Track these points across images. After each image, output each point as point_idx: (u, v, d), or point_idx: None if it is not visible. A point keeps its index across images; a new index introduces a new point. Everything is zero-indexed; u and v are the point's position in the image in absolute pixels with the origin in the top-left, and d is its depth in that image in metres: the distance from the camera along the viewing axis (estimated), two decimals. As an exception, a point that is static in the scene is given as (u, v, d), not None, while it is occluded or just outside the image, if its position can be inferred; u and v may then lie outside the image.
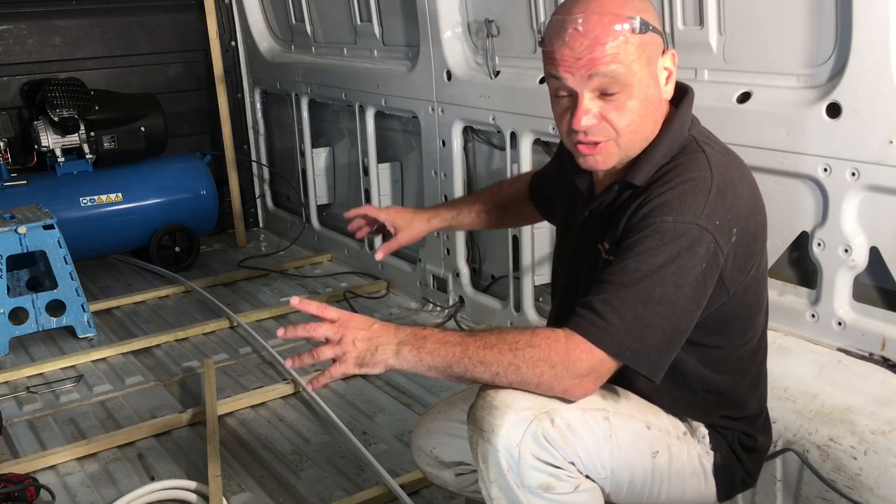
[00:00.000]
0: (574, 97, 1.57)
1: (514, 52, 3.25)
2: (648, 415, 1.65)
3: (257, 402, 3.13)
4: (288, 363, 1.62)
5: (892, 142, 2.01)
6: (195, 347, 3.67)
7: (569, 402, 1.53)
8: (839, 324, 2.23)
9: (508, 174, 3.34)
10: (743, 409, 1.74)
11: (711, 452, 1.71)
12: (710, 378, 1.68)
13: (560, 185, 1.94)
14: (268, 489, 2.62)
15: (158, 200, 4.63)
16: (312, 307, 1.60)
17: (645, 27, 1.52)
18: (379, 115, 4.20)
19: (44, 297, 3.69)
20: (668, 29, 2.56)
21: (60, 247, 3.69)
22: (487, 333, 1.52)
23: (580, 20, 1.51)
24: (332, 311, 1.59)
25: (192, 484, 2.58)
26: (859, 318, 2.21)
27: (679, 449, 1.66)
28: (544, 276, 3.31)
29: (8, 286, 3.62)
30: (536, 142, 3.24)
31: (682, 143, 1.61)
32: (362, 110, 4.21)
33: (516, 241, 3.37)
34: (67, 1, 4.78)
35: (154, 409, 3.13)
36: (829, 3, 2.14)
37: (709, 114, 1.75)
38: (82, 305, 3.77)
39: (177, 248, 4.69)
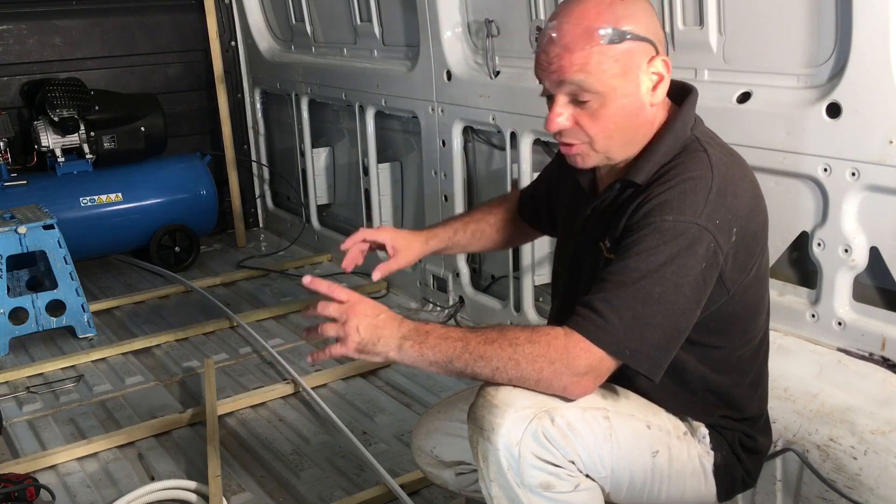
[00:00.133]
0: (552, 99, 1.61)
1: (514, 52, 3.25)
2: (649, 414, 1.65)
3: (257, 402, 3.13)
4: (304, 334, 1.66)
5: (892, 142, 2.01)
6: (195, 347, 3.67)
7: (568, 400, 1.53)
8: (839, 324, 2.24)
9: (508, 174, 3.34)
10: (743, 409, 1.74)
11: (712, 452, 1.71)
12: (710, 378, 1.68)
13: (561, 185, 1.94)
14: (268, 489, 2.62)
15: (158, 200, 4.63)
16: (323, 286, 1.62)
17: (619, 37, 1.53)
18: (379, 115, 4.20)
19: (44, 297, 3.69)
20: (668, 29, 2.56)
21: (60, 247, 3.69)
22: (489, 330, 1.53)
23: (555, 27, 1.56)
24: (341, 292, 1.61)
25: (192, 484, 2.58)
26: (859, 318, 2.21)
27: (679, 449, 1.66)
28: (544, 276, 3.31)
29: (8, 286, 3.63)
30: (536, 142, 3.24)
31: (684, 142, 1.62)
32: (362, 110, 4.21)
33: (516, 241, 3.37)
34: (67, 1, 4.78)
35: (154, 409, 3.13)
36: (829, 3, 2.14)
37: (709, 114, 1.75)
38: (82, 305, 3.77)
39: (177, 248, 4.69)
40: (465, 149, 3.69)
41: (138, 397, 3.24)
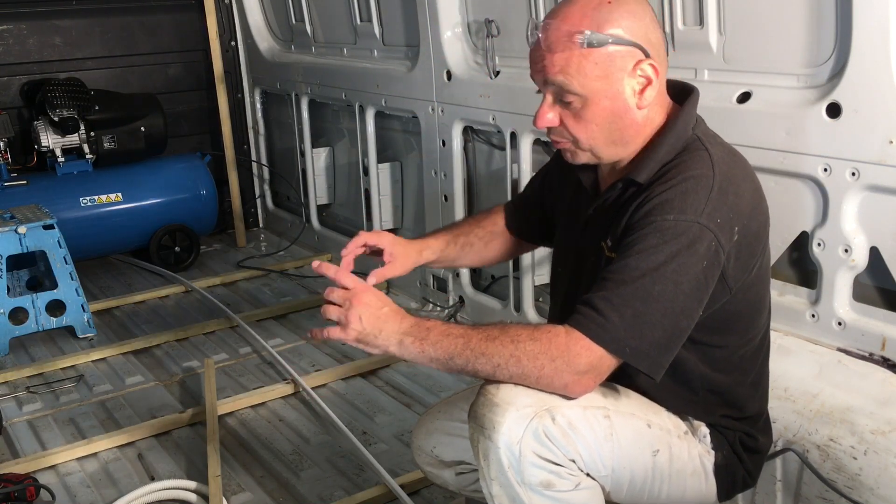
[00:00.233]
0: (544, 95, 1.65)
1: (514, 52, 3.25)
2: (649, 413, 1.66)
3: (257, 402, 3.13)
4: (308, 333, 1.69)
5: (892, 142, 2.01)
6: (195, 347, 3.67)
7: (569, 398, 1.53)
8: (839, 324, 2.24)
9: (508, 174, 3.34)
10: (743, 408, 1.74)
11: (712, 452, 1.71)
12: (711, 377, 1.69)
13: (562, 186, 1.94)
14: (268, 489, 2.62)
15: (158, 200, 4.63)
16: (331, 271, 1.65)
17: (600, 41, 1.54)
18: (379, 115, 4.20)
19: (44, 297, 3.69)
20: (668, 29, 2.56)
21: (60, 247, 3.69)
22: (490, 327, 1.54)
23: (542, 27, 1.58)
24: (347, 279, 1.63)
25: (192, 484, 2.59)
26: (859, 318, 2.21)
27: (680, 448, 1.67)
28: (544, 276, 3.31)
29: (8, 286, 3.63)
30: (536, 142, 3.23)
31: (685, 141, 1.62)
32: (362, 110, 4.21)
33: (516, 241, 3.37)
34: (67, 1, 4.78)
35: (154, 409, 3.13)
36: (829, 3, 2.14)
37: (709, 114, 1.75)
38: (82, 305, 3.77)
39: (177, 248, 4.69)
40: (465, 149, 3.69)
41: (138, 397, 3.24)
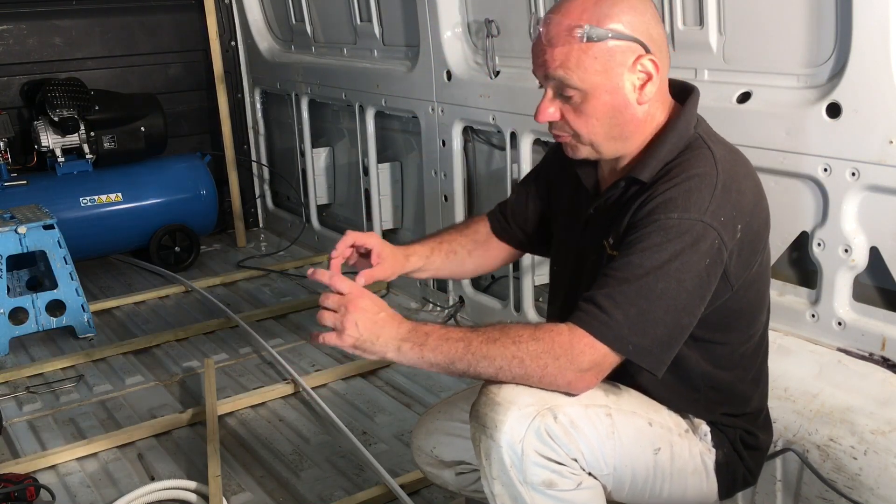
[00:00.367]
0: (545, 90, 1.66)
1: (514, 52, 3.25)
2: (650, 412, 1.66)
3: (257, 402, 3.13)
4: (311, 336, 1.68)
5: (892, 142, 2.01)
6: (195, 347, 3.67)
7: (571, 396, 1.53)
8: (839, 324, 2.24)
9: (508, 174, 3.34)
10: (745, 406, 1.75)
11: (713, 450, 1.71)
12: (713, 374, 1.69)
13: (560, 185, 1.94)
14: (268, 489, 2.62)
15: (158, 200, 4.63)
16: (325, 276, 1.63)
17: (600, 36, 1.54)
18: (379, 115, 4.20)
19: (44, 297, 3.69)
20: (668, 29, 2.56)
21: (60, 247, 3.69)
22: (490, 329, 1.53)
23: (543, 21, 1.59)
24: (342, 284, 1.61)
25: (192, 484, 2.58)
26: (859, 318, 2.22)
27: (681, 446, 1.67)
28: (544, 276, 3.31)
29: (8, 286, 3.63)
30: (536, 142, 3.24)
31: (688, 139, 1.63)
32: (362, 110, 4.21)
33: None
34: (67, 1, 4.78)
35: (154, 409, 3.13)
36: (829, 3, 2.14)
37: (709, 114, 1.75)
38: (82, 305, 3.77)
39: (177, 248, 4.69)
40: (465, 149, 3.69)
41: (138, 397, 3.24)
